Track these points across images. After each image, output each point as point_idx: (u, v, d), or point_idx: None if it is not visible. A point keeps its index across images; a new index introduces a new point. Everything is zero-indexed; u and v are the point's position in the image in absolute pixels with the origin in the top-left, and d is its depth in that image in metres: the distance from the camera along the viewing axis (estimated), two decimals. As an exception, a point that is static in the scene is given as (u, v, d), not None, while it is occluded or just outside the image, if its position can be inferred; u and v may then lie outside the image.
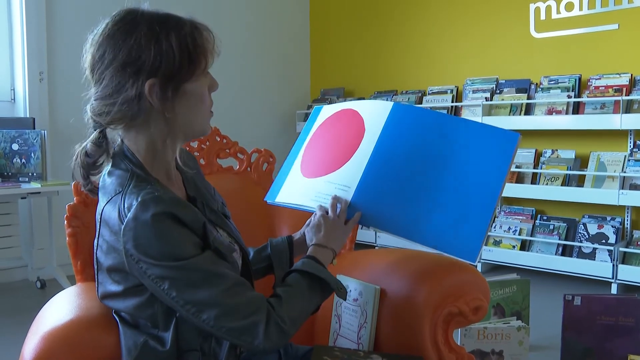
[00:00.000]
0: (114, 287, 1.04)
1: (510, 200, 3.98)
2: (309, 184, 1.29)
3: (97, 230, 1.04)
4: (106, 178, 1.06)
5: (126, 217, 0.96)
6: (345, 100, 4.80)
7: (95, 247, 1.06)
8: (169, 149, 1.07)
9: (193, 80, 1.03)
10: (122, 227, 0.96)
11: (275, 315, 1.00)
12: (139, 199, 0.95)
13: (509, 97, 3.85)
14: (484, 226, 1.15)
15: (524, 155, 3.83)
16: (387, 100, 4.42)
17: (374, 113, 1.31)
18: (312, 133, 1.40)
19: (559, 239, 3.58)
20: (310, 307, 1.09)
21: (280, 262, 1.29)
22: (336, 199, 1.21)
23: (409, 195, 1.20)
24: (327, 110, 1.42)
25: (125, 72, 0.98)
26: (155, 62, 0.98)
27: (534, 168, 3.75)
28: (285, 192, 1.34)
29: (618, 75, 3.48)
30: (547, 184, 3.64)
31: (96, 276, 1.08)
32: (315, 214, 1.24)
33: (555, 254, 3.56)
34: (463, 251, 1.15)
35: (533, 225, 3.73)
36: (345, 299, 1.16)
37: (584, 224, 3.53)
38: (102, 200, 1.04)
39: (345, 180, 1.25)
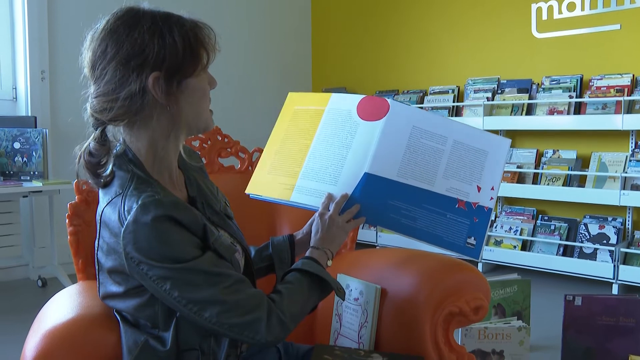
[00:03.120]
0: (114, 288, 1.04)
1: (511, 201, 3.98)
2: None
3: (98, 231, 1.04)
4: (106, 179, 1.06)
5: (126, 219, 0.96)
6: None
7: (95, 248, 1.06)
8: (172, 146, 1.07)
9: (195, 75, 1.03)
10: (122, 229, 0.96)
11: (277, 309, 1.02)
12: (139, 202, 0.95)
13: (511, 97, 3.84)
14: (484, 225, 1.20)
15: (525, 156, 3.83)
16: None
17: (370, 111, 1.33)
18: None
19: (560, 239, 3.58)
20: (308, 304, 1.11)
21: (281, 261, 1.29)
22: (330, 197, 1.21)
23: (406, 196, 1.23)
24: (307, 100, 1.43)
25: (129, 65, 0.98)
26: (159, 55, 0.98)
27: (535, 168, 3.74)
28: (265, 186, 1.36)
29: (620, 76, 3.47)
30: (548, 184, 3.64)
31: (97, 276, 1.08)
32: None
33: (556, 254, 3.56)
34: (466, 249, 1.20)
35: (534, 226, 3.73)
36: (344, 300, 1.17)
37: (585, 225, 3.53)
38: (102, 201, 1.04)
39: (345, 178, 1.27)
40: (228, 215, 1.21)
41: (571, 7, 3.72)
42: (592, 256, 3.43)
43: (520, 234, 3.73)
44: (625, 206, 3.44)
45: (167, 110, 1.02)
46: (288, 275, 1.12)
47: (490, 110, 3.89)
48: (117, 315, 1.07)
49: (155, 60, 0.98)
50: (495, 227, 3.84)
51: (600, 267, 3.34)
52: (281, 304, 1.04)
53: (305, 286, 1.10)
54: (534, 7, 3.88)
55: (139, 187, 1.00)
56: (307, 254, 1.18)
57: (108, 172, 1.03)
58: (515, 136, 4.00)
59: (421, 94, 4.35)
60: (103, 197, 1.04)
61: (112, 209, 1.00)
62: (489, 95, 3.95)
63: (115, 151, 1.05)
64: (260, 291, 1.04)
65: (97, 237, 1.05)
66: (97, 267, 1.07)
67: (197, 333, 1.03)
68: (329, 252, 1.19)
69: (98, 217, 1.04)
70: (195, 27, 1.03)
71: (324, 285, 1.12)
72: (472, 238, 1.21)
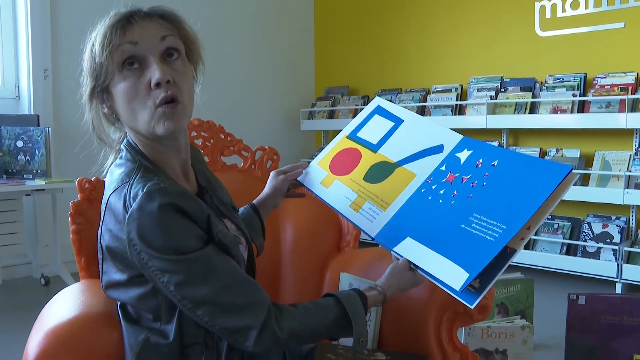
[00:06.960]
0: (118, 276, 1.04)
1: (514, 199, 3.96)
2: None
3: (102, 218, 1.04)
4: (113, 169, 1.06)
5: (131, 206, 0.96)
6: (349, 98, 4.79)
7: (99, 235, 1.06)
8: (159, 146, 1.06)
9: (115, 79, 1.01)
10: (127, 216, 0.96)
11: (275, 323, 0.99)
12: (145, 189, 0.95)
13: (514, 95, 3.83)
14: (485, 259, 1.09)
15: (528, 154, 3.82)
16: (391, 98, 4.40)
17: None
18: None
19: (564, 238, 3.57)
20: (323, 334, 1.07)
21: (253, 230, 1.33)
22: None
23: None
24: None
25: (82, 77, 1.06)
26: (84, 66, 1.05)
27: (539, 167, 3.73)
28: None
29: (624, 74, 3.46)
30: (551, 183, 3.62)
31: (100, 266, 1.08)
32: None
33: (560, 253, 3.55)
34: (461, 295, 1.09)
35: (537, 224, 3.72)
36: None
37: (589, 223, 3.52)
38: (108, 190, 1.05)
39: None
40: (234, 207, 1.22)
41: (575, 5, 3.71)
42: (596, 255, 3.42)
43: (524, 233, 3.71)
44: (629, 205, 3.43)
45: (116, 116, 1.07)
46: (323, 298, 1.10)
47: (493, 109, 3.88)
48: (119, 312, 1.07)
49: (87, 72, 1.05)
50: (498, 226, 3.83)
51: (604, 266, 3.33)
52: (285, 320, 1.01)
53: (330, 317, 1.06)
54: (537, 5, 3.86)
55: (145, 176, 1.00)
56: (366, 290, 1.13)
57: (113, 138, 1.11)
58: (519, 135, 3.99)
59: (424, 93, 4.34)
60: (109, 187, 1.05)
61: (118, 196, 1.00)
62: (492, 93, 3.94)
63: (120, 144, 1.09)
64: (266, 298, 1.01)
65: (101, 224, 1.05)
66: (100, 257, 1.07)
67: (201, 326, 1.03)
68: (385, 296, 1.15)
69: (103, 206, 1.04)
70: (104, 27, 1.01)
71: (350, 327, 1.07)
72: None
